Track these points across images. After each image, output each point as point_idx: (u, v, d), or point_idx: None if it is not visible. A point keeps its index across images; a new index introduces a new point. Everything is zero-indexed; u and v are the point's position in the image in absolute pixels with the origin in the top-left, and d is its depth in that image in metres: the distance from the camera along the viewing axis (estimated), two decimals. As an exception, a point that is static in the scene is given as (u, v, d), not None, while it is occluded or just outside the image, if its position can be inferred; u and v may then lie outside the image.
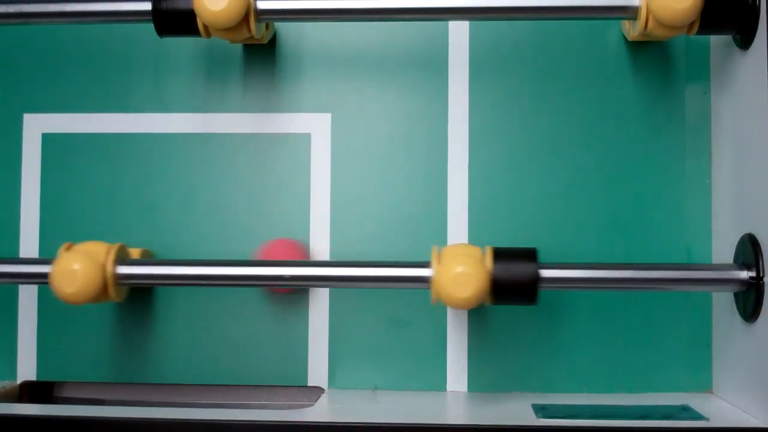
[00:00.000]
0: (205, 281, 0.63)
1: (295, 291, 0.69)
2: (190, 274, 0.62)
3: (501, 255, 0.59)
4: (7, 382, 0.70)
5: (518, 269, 0.58)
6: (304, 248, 0.69)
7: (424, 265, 0.60)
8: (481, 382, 0.68)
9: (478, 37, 0.70)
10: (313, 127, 0.70)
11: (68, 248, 0.62)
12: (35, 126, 0.72)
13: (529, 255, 0.59)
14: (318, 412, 0.63)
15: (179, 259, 0.66)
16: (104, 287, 0.61)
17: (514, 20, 0.69)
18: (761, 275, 0.58)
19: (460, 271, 0.57)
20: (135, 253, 0.67)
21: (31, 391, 0.71)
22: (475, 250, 0.59)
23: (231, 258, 0.66)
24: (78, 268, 0.59)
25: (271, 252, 0.67)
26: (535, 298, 0.59)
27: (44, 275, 0.61)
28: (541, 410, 0.61)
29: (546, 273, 0.59)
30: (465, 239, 0.68)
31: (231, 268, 0.62)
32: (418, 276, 0.60)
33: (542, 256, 0.67)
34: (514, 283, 0.58)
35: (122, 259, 0.63)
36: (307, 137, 0.70)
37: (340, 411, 0.63)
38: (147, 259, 0.67)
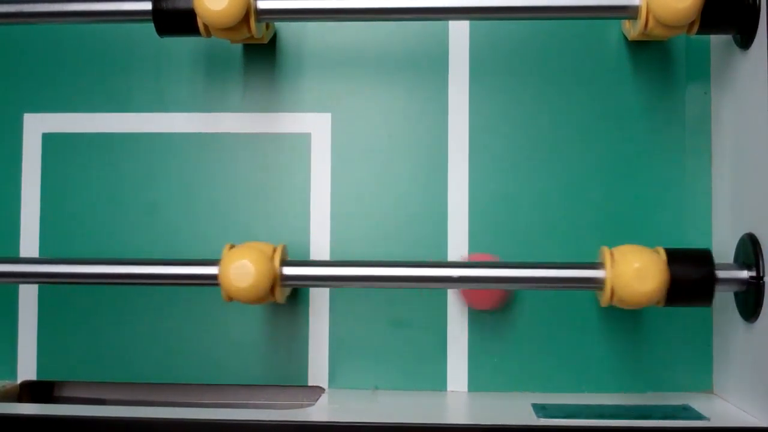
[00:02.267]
0: (205, 281, 0.63)
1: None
2: (189, 274, 0.62)
3: (676, 256, 0.59)
4: (7, 381, 0.70)
5: (695, 271, 0.58)
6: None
7: (594, 266, 0.60)
8: (481, 382, 0.68)
9: (478, 37, 0.70)
10: (313, 127, 0.70)
11: (232, 247, 0.62)
12: (35, 126, 0.72)
13: (704, 256, 0.59)
14: (318, 412, 0.63)
15: (179, 259, 0.66)
16: (272, 286, 0.61)
17: (514, 20, 0.69)
18: (761, 275, 0.58)
19: (641, 266, 0.57)
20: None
21: (31, 391, 0.71)
22: (648, 250, 0.59)
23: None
24: (249, 264, 0.59)
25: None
26: (712, 298, 0.59)
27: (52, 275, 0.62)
28: (541, 410, 0.61)
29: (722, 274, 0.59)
30: (465, 239, 0.68)
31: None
32: (589, 277, 0.60)
33: (542, 256, 0.67)
34: (691, 283, 0.58)
35: (285, 259, 0.63)
36: (307, 137, 0.71)
37: (340, 411, 0.63)
38: (309, 260, 0.68)
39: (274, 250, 0.62)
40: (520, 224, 0.69)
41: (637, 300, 0.57)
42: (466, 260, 0.67)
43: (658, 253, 0.59)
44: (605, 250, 0.60)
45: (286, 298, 0.66)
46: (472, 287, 0.66)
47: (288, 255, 0.64)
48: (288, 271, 0.61)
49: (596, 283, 0.59)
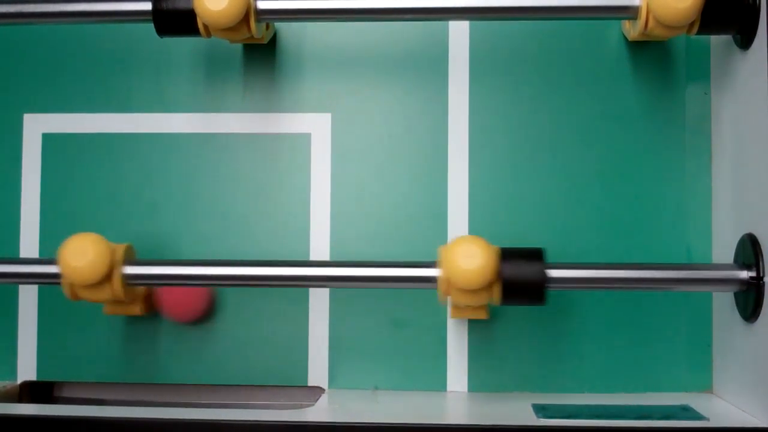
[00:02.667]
0: (205, 281, 0.63)
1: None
2: (190, 274, 0.62)
3: (509, 255, 0.59)
4: (7, 382, 0.70)
5: (526, 269, 0.58)
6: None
7: (430, 264, 0.60)
8: (481, 382, 0.68)
9: (478, 37, 0.70)
10: (313, 127, 0.70)
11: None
12: (35, 126, 0.72)
13: (536, 255, 0.59)
14: (318, 412, 0.63)
15: (179, 260, 0.66)
16: (110, 272, 0.61)
17: (514, 20, 0.69)
18: (761, 275, 0.58)
19: (467, 246, 0.57)
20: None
21: (31, 391, 0.71)
22: (483, 240, 0.59)
23: (231, 258, 0.66)
24: (88, 244, 0.60)
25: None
26: (544, 298, 0.59)
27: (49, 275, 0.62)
28: (541, 410, 0.61)
29: (554, 273, 0.59)
30: (465, 239, 0.68)
31: (231, 268, 0.62)
32: (424, 276, 0.60)
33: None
34: (522, 282, 0.58)
35: (129, 258, 0.63)
36: (307, 137, 0.71)
37: (340, 411, 0.63)
38: (151, 259, 0.67)
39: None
40: (520, 224, 0.69)
41: (465, 279, 0.57)
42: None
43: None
44: (441, 248, 0.60)
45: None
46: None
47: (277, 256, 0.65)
48: (279, 271, 0.62)
49: (431, 283, 0.60)
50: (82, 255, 0.59)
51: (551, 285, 0.59)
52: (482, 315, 0.64)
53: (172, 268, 0.63)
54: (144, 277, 0.62)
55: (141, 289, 0.67)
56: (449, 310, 0.65)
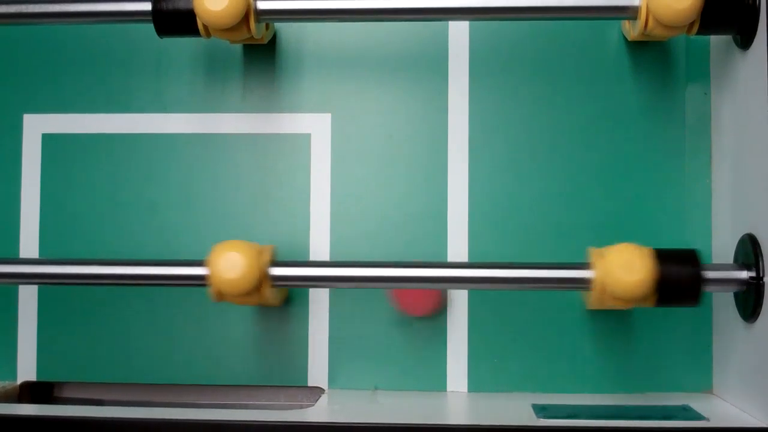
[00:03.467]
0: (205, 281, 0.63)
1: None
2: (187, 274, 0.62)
3: (664, 256, 0.59)
4: (7, 382, 0.70)
5: (684, 270, 0.58)
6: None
7: (583, 266, 0.60)
8: (481, 382, 0.68)
9: (478, 37, 0.70)
10: (313, 127, 0.70)
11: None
12: (35, 126, 0.72)
13: (691, 256, 0.59)
14: (318, 413, 0.63)
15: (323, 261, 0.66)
16: (260, 282, 0.61)
17: (514, 20, 0.69)
18: (761, 275, 0.58)
19: (628, 258, 0.57)
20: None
21: (31, 392, 0.71)
22: (640, 248, 0.59)
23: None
24: (237, 257, 0.59)
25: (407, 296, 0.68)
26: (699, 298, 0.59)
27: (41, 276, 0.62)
28: (541, 410, 0.61)
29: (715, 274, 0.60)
30: (465, 239, 0.68)
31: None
32: (579, 277, 0.60)
33: (542, 256, 0.67)
34: (679, 283, 0.58)
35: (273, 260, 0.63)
36: (307, 137, 0.71)
37: (340, 411, 0.63)
38: (300, 261, 0.67)
39: (262, 250, 0.62)
40: (520, 224, 0.69)
41: (625, 291, 0.57)
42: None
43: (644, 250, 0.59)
44: (593, 250, 0.60)
45: (282, 301, 0.66)
46: (472, 287, 0.66)
47: (278, 257, 0.64)
48: (277, 271, 0.62)
49: (585, 283, 0.59)
50: (233, 268, 0.59)
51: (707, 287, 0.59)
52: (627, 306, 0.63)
53: (172, 268, 0.63)
54: (278, 278, 0.62)
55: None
56: (588, 301, 0.63)
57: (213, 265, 0.60)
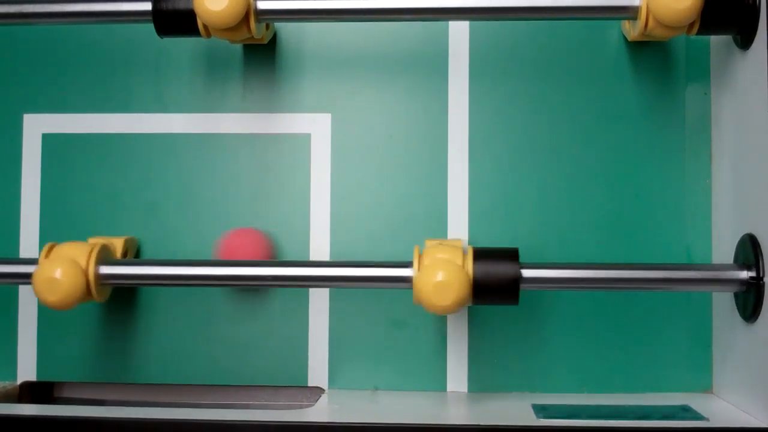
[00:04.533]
0: (187, 281, 0.63)
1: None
2: (173, 274, 0.62)
3: (482, 255, 0.59)
4: (7, 382, 0.70)
5: (499, 270, 0.58)
6: (264, 237, 0.68)
7: (407, 265, 0.60)
8: (481, 382, 0.68)
9: (478, 37, 0.70)
10: (313, 127, 0.70)
11: (48, 251, 0.62)
12: (35, 126, 0.72)
13: (510, 255, 0.59)
14: (318, 413, 0.63)
15: (164, 260, 0.66)
16: (87, 291, 0.61)
17: (514, 20, 0.69)
18: (761, 275, 0.58)
19: (441, 279, 0.57)
20: (119, 243, 0.67)
21: (31, 392, 0.71)
22: (457, 252, 0.59)
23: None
24: (59, 276, 0.59)
25: (232, 243, 0.67)
26: (517, 298, 0.59)
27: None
28: (541, 410, 0.61)
29: (528, 273, 0.59)
30: (465, 239, 0.68)
31: (231, 268, 0.62)
32: (400, 276, 0.60)
33: (542, 257, 0.67)
34: (494, 284, 0.58)
35: (104, 259, 0.63)
36: (307, 137, 0.71)
37: (340, 411, 0.63)
38: (129, 260, 0.67)
39: (91, 252, 0.62)
40: (520, 224, 0.69)
41: (437, 312, 0.58)
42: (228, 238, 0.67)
43: (465, 254, 0.59)
44: (416, 250, 0.60)
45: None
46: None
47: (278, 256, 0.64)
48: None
49: (406, 282, 0.60)
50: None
51: (526, 285, 0.59)
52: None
53: (171, 268, 0.63)
54: (119, 277, 0.62)
55: None
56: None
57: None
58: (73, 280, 0.60)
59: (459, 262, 0.58)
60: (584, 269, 0.61)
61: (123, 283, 0.64)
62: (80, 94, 0.72)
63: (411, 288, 0.60)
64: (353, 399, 0.66)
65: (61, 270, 0.60)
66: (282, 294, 0.69)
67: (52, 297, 0.59)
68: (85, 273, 0.61)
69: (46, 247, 0.62)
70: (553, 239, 0.68)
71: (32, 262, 0.62)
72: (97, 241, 0.65)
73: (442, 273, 0.57)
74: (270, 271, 0.61)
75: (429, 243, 0.63)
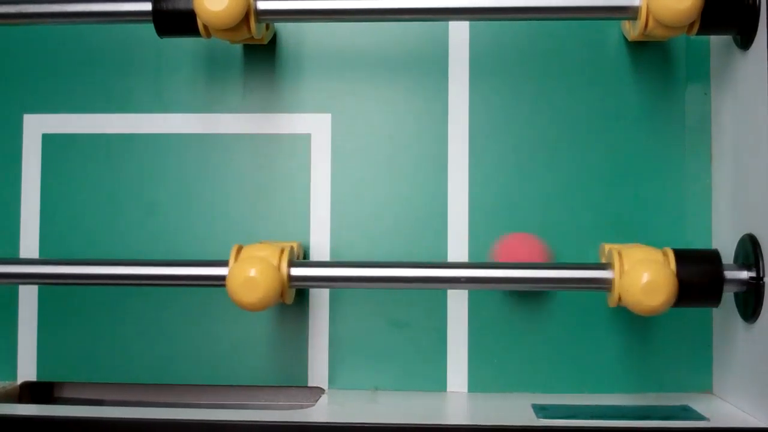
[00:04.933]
0: (205, 281, 0.63)
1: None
2: (364, 276, 0.62)
3: (684, 258, 0.58)
4: (7, 382, 0.70)
5: (703, 271, 0.58)
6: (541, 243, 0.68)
7: (601, 266, 0.59)
8: (481, 382, 0.68)
9: (478, 37, 0.70)
10: (313, 127, 0.70)
11: (238, 251, 0.62)
12: (35, 126, 0.72)
13: (712, 257, 0.59)
14: (318, 413, 0.63)
15: (352, 261, 0.65)
16: (281, 292, 0.61)
17: (514, 20, 0.69)
18: (761, 275, 0.58)
19: (649, 279, 0.56)
20: (296, 246, 0.66)
21: (31, 392, 0.71)
22: (657, 253, 0.59)
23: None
24: (256, 275, 0.59)
25: (510, 246, 0.67)
26: (719, 299, 0.59)
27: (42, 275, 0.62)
28: (541, 410, 0.61)
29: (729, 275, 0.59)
30: (465, 239, 0.68)
31: (226, 268, 0.62)
32: (596, 278, 0.60)
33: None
34: (699, 285, 0.58)
35: (293, 261, 0.62)
36: (307, 137, 0.70)
37: (340, 411, 0.63)
38: (319, 261, 0.67)
39: (282, 253, 0.61)
40: (521, 224, 0.69)
41: (646, 311, 0.57)
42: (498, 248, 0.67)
43: (666, 256, 0.58)
44: (612, 250, 0.60)
45: (293, 298, 0.66)
46: (472, 287, 0.66)
47: (294, 254, 0.64)
48: (295, 272, 0.61)
49: (604, 284, 0.60)
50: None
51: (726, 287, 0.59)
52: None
53: (171, 268, 0.63)
54: (311, 279, 0.62)
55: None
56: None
57: (232, 286, 0.59)
58: (270, 280, 0.59)
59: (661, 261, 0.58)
60: (585, 269, 0.61)
61: (312, 285, 0.64)
62: (80, 94, 0.72)
63: (607, 289, 0.59)
64: (353, 399, 0.66)
65: (257, 270, 0.59)
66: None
67: (249, 298, 0.59)
68: (279, 273, 0.60)
69: (234, 248, 0.62)
70: (552, 239, 0.68)
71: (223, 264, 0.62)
72: (281, 244, 0.64)
73: (648, 274, 0.56)
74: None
75: (608, 246, 0.63)
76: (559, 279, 0.60)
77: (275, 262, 0.60)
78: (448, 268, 0.62)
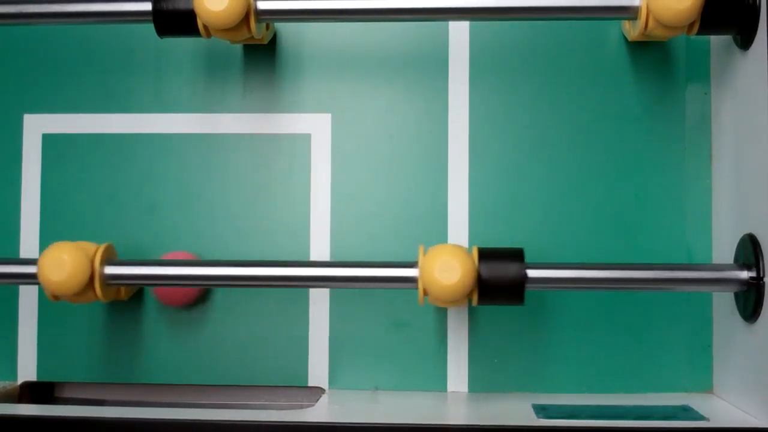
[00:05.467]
0: (205, 281, 0.63)
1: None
2: (177, 275, 0.62)
3: (487, 255, 0.59)
4: (7, 382, 0.70)
5: (505, 269, 0.58)
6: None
7: (412, 264, 0.60)
8: (481, 382, 0.68)
9: (478, 37, 0.70)
10: (313, 127, 0.70)
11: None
12: (35, 126, 0.72)
13: (516, 255, 0.59)
14: (318, 413, 0.63)
15: (165, 260, 0.66)
16: (91, 282, 0.61)
17: (514, 20, 0.69)
18: (761, 275, 0.58)
19: (446, 259, 0.57)
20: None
21: (31, 392, 0.71)
22: (461, 249, 0.59)
23: (230, 258, 0.66)
24: (67, 258, 0.59)
25: None
26: (522, 298, 0.59)
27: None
28: (541, 410, 0.61)
29: (534, 273, 0.59)
30: (465, 239, 0.68)
31: (231, 268, 0.62)
32: (405, 276, 0.60)
33: (542, 256, 0.67)
34: (500, 282, 0.58)
35: (110, 259, 0.63)
36: (307, 137, 0.70)
37: (340, 411, 0.63)
38: (134, 260, 0.67)
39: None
40: (520, 224, 0.69)
41: (442, 293, 0.57)
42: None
43: (470, 253, 0.59)
44: (421, 248, 0.60)
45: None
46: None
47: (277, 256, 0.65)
48: (111, 270, 0.62)
49: (411, 282, 0.60)
50: (60, 268, 0.60)
51: (533, 285, 0.59)
52: (462, 304, 0.63)
53: (171, 268, 0.63)
54: (127, 277, 0.62)
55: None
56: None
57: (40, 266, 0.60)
58: (80, 264, 0.60)
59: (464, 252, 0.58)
60: (587, 269, 0.61)
61: (126, 284, 0.64)
62: (80, 94, 0.72)
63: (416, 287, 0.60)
64: (353, 399, 0.66)
65: (69, 255, 0.60)
66: (282, 294, 0.69)
67: (57, 277, 0.59)
68: (92, 264, 0.61)
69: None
70: (553, 239, 0.68)
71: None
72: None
73: (447, 255, 0.57)
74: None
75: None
76: (544, 279, 0.60)
77: (90, 253, 0.61)
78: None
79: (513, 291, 0.59)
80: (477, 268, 0.58)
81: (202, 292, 0.69)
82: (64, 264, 0.59)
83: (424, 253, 0.60)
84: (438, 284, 0.57)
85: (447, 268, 0.57)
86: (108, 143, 0.71)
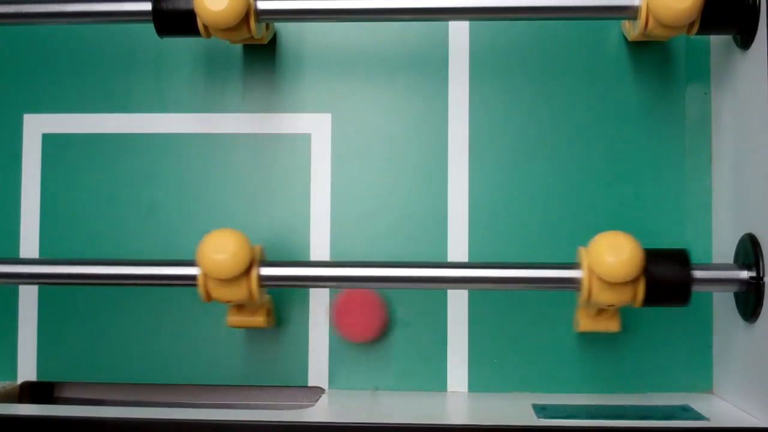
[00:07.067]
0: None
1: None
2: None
3: (653, 254, 0.59)
4: (7, 382, 0.70)
5: (673, 270, 0.58)
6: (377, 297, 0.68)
7: (573, 266, 0.60)
8: (481, 382, 0.68)
9: (478, 37, 0.70)
10: (313, 127, 0.70)
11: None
12: (35, 126, 0.72)
13: (681, 257, 0.59)
14: (318, 413, 0.63)
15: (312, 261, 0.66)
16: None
17: (514, 20, 0.69)
18: (761, 275, 0.58)
19: (614, 238, 0.57)
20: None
21: (31, 392, 0.71)
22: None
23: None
24: (229, 239, 0.60)
25: (347, 302, 0.68)
26: (688, 299, 0.59)
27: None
28: (541, 410, 0.61)
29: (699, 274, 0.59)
30: (465, 239, 0.68)
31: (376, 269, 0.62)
32: (566, 277, 0.60)
33: (542, 257, 0.67)
34: (668, 282, 0.58)
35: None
36: (307, 137, 0.71)
37: (340, 411, 0.63)
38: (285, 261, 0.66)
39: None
40: (520, 224, 0.69)
41: (614, 271, 0.57)
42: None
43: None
44: (581, 249, 0.60)
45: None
46: (472, 287, 0.66)
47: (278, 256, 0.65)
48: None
49: (574, 284, 0.60)
50: (223, 249, 0.59)
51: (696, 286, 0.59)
52: (614, 326, 0.63)
53: (171, 268, 0.63)
54: (278, 278, 0.62)
55: (266, 298, 0.66)
56: (578, 322, 0.64)
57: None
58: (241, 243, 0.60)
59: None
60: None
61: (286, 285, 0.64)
62: (80, 94, 0.72)
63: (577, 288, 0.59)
64: (353, 399, 0.66)
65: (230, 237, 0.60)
66: (282, 294, 0.69)
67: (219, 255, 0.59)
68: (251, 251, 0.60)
69: None
70: (552, 239, 0.68)
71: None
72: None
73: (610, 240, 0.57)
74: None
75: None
76: (544, 279, 0.60)
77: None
78: (448, 268, 0.62)
79: (679, 291, 0.58)
80: (644, 257, 0.58)
81: (385, 325, 0.68)
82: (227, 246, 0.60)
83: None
84: (606, 263, 0.56)
85: (616, 245, 0.57)
86: (108, 143, 0.71)
